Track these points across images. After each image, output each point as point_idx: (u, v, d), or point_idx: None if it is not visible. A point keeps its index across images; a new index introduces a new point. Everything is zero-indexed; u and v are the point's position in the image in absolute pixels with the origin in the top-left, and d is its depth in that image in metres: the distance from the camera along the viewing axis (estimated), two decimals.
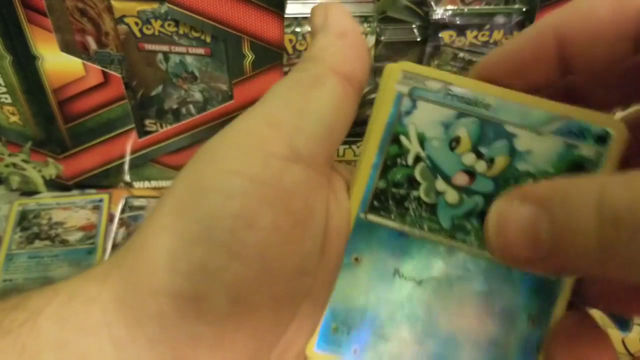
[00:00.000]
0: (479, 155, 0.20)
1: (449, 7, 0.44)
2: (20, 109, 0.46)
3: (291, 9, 0.43)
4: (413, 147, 0.20)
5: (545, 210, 0.15)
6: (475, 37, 0.45)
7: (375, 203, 0.20)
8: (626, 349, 0.42)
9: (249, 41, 0.43)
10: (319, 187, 0.19)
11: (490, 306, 0.20)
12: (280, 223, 0.18)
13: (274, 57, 0.44)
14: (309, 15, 0.44)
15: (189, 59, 0.46)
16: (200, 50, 0.45)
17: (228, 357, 0.18)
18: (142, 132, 0.50)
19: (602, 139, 0.19)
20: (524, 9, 0.44)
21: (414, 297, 0.20)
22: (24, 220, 0.49)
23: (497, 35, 0.45)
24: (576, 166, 0.19)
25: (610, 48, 0.18)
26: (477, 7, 0.44)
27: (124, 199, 0.51)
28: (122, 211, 0.50)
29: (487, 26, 0.44)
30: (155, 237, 0.18)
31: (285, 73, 0.47)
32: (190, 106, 0.49)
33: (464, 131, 0.20)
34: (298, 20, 0.43)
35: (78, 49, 0.45)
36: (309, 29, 0.47)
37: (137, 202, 0.51)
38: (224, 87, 0.47)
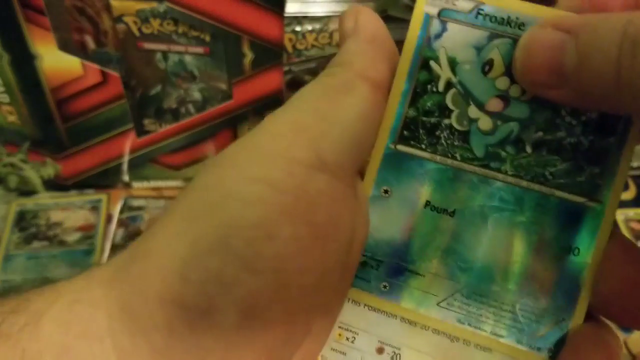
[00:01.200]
0: (513, 79, 0.19)
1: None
2: (18, 109, 0.46)
3: (291, 8, 0.42)
4: (444, 73, 0.19)
5: (574, 36, 0.16)
6: None
7: (405, 133, 0.19)
8: (628, 349, 0.42)
9: (249, 40, 0.43)
10: (344, 198, 0.18)
11: (527, 238, 0.19)
12: (300, 235, 0.17)
13: (273, 56, 0.44)
14: (308, 15, 0.44)
15: (188, 58, 0.46)
16: (200, 50, 0.45)
17: None
18: (141, 131, 0.50)
19: None
20: None
21: (446, 229, 0.19)
22: (22, 220, 0.49)
23: None
24: None
25: None
26: None
27: (123, 199, 0.51)
28: (121, 211, 0.50)
29: None
30: (168, 243, 0.17)
31: (285, 72, 0.46)
32: (190, 105, 0.49)
33: (497, 53, 0.19)
34: (298, 19, 0.43)
35: (76, 48, 0.45)
36: (309, 27, 0.47)
37: (136, 202, 0.51)
38: (223, 86, 0.47)
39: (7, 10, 0.40)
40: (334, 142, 0.18)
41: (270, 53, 0.43)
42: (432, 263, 0.19)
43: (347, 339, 0.20)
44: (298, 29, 0.44)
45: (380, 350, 0.20)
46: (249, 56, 0.44)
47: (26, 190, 0.52)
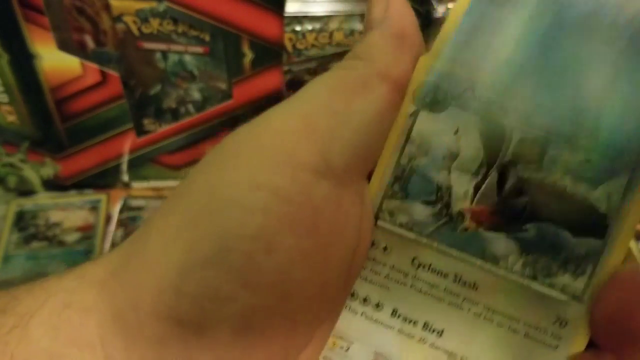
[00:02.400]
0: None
1: (451, 5, 0.43)
2: (17, 108, 0.46)
3: (291, 8, 0.42)
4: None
5: None
6: None
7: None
8: None
9: (249, 40, 0.42)
10: (350, 205, 0.17)
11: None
12: (303, 246, 0.16)
13: (273, 56, 0.43)
14: (308, 14, 0.44)
15: (187, 58, 0.46)
16: (199, 49, 0.45)
17: None
18: (141, 131, 0.50)
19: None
20: None
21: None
22: (21, 220, 0.49)
23: None
24: None
25: None
26: None
27: (122, 200, 0.51)
28: (121, 212, 0.50)
29: None
30: (164, 250, 0.16)
31: (285, 72, 0.46)
32: (189, 105, 0.49)
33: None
34: (298, 19, 0.43)
35: (76, 47, 0.45)
36: (309, 27, 0.47)
37: (135, 203, 0.51)
38: (223, 86, 0.47)
39: (7, 10, 0.40)
40: (343, 145, 0.17)
41: (270, 53, 0.43)
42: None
43: (342, 347, 0.19)
44: (298, 28, 0.43)
45: None
46: (248, 56, 0.43)
47: (25, 191, 0.52)
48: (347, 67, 0.18)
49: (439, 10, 0.43)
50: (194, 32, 0.43)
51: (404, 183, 0.18)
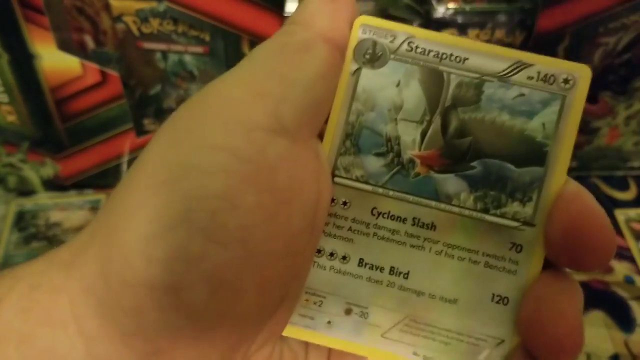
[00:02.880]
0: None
1: (451, 5, 0.43)
2: (17, 108, 0.46)
3: (291, 8, 0.42)
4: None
5: None
6: (477, 35, 0.44)
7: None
8: (628, 349, 0.42)
9: (249, 40, 0.42)
10: (306, 161, 0.18)
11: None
12: (265, 202, 0.17)
13: None
14: None
15: (187, 58, 0.46)
16: (199, 49, 0.45)
17: (209, 349, 0.17)
18: (141, 131, 0.50)
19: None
20: (526, 8, 0.44)
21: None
22: (21, 220, 0.49)
23: (499, 34, 0.44)
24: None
25: None
26: (478, 5, 0.44)
27: None
28: None
29: (489, 25, 0.44)
30: (129, 221, 0.16)
31: None
32: None
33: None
34: None
35: (76, 47, 0.45)
36: None
37: None
38: None
39: (6, 10, 0.40)
40: (293, 105, 0.17)
41: None
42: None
43: (315, 303, 0.20)
44: None
45: (348, 311, 0.19)
46: None
47: (25, 191, 0.52)
48: (287, 33, 0.19)
49: (439, 10, 0.43)
50: (194, 32, 0.43)
51: (354, 139, 0.19)
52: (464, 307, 0.19)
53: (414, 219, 0.19)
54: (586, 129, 0.50)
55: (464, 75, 0.19)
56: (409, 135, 0.19)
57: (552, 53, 0.45)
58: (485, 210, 0.19)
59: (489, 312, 0.19)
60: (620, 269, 0.46)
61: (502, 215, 0.19)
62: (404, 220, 0.19)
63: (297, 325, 0.20)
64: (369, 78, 0.19)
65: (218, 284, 0.16)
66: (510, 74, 0.19)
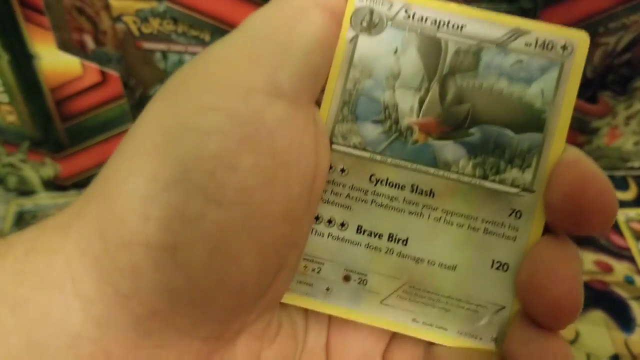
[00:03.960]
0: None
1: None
2: (17, 108, 0.46)
3: None
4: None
5: None
6: None
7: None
8: (628, 349, 0.42)
9: None
10: (304, 126, 0.18)
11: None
12: (263, 164, 0.17)
13: None
14: None
15: (187, 58, 0.46)
16: (199, 49, 0.45)
17: (207, 314, 0.17)
18: None
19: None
20: (526, 8, 0.44)
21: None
22: (21, 220, 0.49)
23: None
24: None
25: None
26: (478, 5, 0.44)
27: None
28: None
29: None
30: (126, 181, 0.16)
31: None
32: None
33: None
34: None
35: (76, 47, 0.45)
36: None
37: None
38: None
39: (6, 10, 0.40)
40: (290, 70, 0.17)
41: None
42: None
43: (313, 270, 0.20)
44: None
45: (346, 278, 0.19)
46: None
47: (25, 191, 0.52)
48: (283, 0, 0.18)
49: None
50: (194, 32, 0.43)
51: (352, 106, 0.19)
52: (463, 274, 0.19)
53: (412, 185, 0.19)
54: (586, 129, 0.50)
55: (461, 43, 0.19)
56: (406, 103, 0.19)
57: None
58: (484, 177, 0.19)
59: (489, 279, 0.19)
60: (620, 269, 0.46)
61: (501, 182, 0.19)
62: (402, 187, 0.19)
63: (295, 292, 0.20)
64: (366, 46, 0.19)
65: (216, 245, 0.16)
66: (508, 41, 0.19)
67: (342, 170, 0.19)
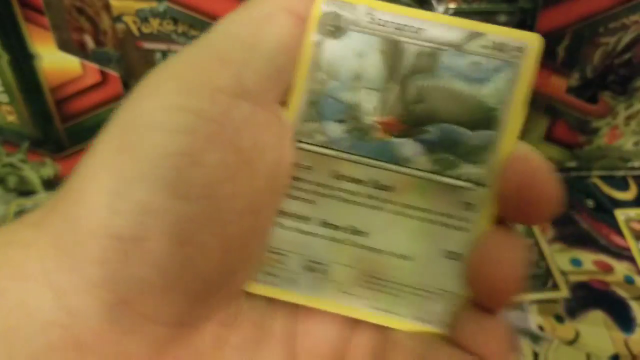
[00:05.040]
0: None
1: (451, 5, 0.43)
2: (17, 108, 0.46)
3: None
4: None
5: None
6: None
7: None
8: (628, 349, 0.42)
9: None
10: (268, 125, 0.19)
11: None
12: (228, 161, 0.18)
13: None
14: None
15: None
16: None
17: (174, 300, 0.18)
18: None
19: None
20: (526, 8, 0.44)
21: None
22: None
23: None
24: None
25: None
26: (478, 5, 0.44)
27: None
28: None
29: None
30: (94, 178, 0.17)
31: None
32: None
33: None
34: None
35: (76, 47, 0.45)
36: None
37: None
38: None
39: (6, 10, 0.40)
40: (256, 71, 0.18)
41: None
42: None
43: (277, 261, 0.21)
44: None
45: (309, 269, 0.20)
46: None
47: (25, 191, 0.52)
48: (251, 5, 0.19)
49: (439, 9, 0.43)
50: (194, 32, 0.43)
51: (317, 106, 0.20)
52: (418, 263, 0.20)
53: (373, 181, 0.20)
54: (586, 129, 0.50)
55: (421, 45, 0.20)
56: (369, 103, 0.20)
57: (552, 53, 0.45)
58: (440, 172, 0.20)
59: (442, 268, 0.20)
60: (620, 269, 0.46)
61: (456, 177, 0.20)
62: (364, 183, 0.20)
63: (260, 282, 0.21)
64: (332, 49, 0.20)
65: (182, 237, 0.17)
66: (464, 43, 0.20)
67: (307, 167, 0.20)
